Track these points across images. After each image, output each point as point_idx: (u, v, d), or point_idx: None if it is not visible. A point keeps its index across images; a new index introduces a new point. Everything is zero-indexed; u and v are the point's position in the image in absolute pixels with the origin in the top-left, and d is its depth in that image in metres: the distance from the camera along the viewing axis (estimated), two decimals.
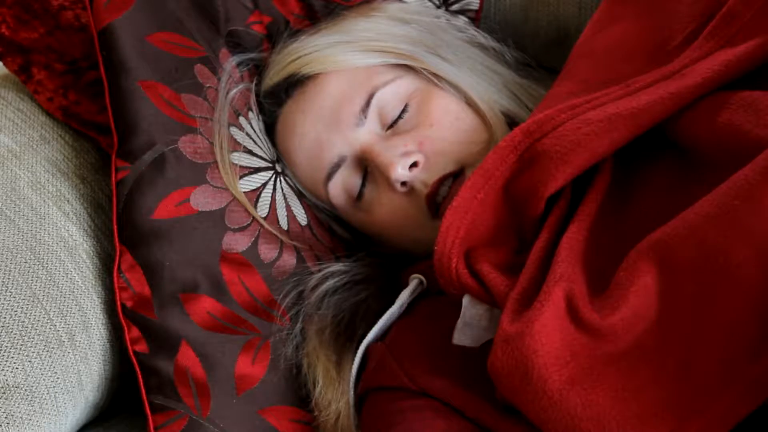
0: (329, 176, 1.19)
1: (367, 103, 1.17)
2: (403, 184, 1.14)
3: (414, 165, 1.14)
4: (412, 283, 1.13)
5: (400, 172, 1.13)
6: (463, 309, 1.03)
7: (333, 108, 1.18)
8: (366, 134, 1.17)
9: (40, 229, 1.13)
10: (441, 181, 1.14)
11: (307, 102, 1.20)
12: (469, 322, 1.03)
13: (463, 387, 1.02)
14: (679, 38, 1.06)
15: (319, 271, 1.17)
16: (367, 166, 1.17)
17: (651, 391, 0.88)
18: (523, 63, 1.30)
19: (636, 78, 1.02)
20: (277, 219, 1.18)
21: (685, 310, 0.89)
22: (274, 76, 1.23)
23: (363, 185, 1.18)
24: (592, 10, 1.20)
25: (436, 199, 1.14)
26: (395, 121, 1.17)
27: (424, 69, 1.20)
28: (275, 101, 1.23)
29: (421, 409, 1.03)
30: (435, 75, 1.20)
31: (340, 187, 1.19)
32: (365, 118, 1.17)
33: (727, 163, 0.92)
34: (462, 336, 1.03)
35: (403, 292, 1.13)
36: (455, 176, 1.14)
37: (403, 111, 1.18)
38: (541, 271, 0.97)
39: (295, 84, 1.22)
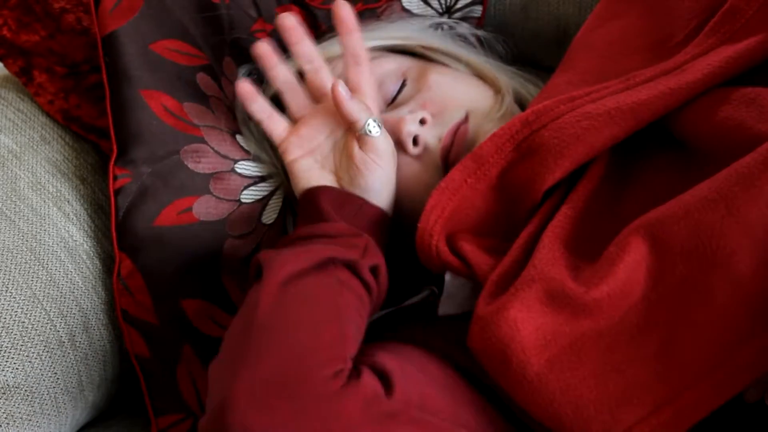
0: None
1: None
2: (415, 143, 1.11)
3: (422, 123, 1.12)
4: (424, 293, 1.11)
5: (411, 126, 1.11)
6: (445, 284, 1.03)
7: None
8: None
9: (41, 229, 1.13)
10: (454, 132, 1.12)
11: None
12: (453, 293, 1.03)
13: (455, 345, 1.01)
14: (681, 35, 1.06)
15: None
16: None
17: (631, 370, 0.88)
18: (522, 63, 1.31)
19: (636, 72, 1.02)
20: (284, 226, 1.18)
21: (673, 290, 0.88)
22: None
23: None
24: (591, 9, 1.19)
25: (450, 154, 1.12)
26: (395, 97, 1.16)
27: (421, 46, 1.21)
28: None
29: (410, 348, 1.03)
30: (431, 50, 1.21)
31: None
32: None
33: (727, 159, 0.92)
34: (446, 307, 1.04)
35: (411, 299, 1.12)
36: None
37: (402, 86, 1.17)
38: (525, 255, 0.97)
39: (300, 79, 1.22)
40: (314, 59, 1.12)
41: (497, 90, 1.18)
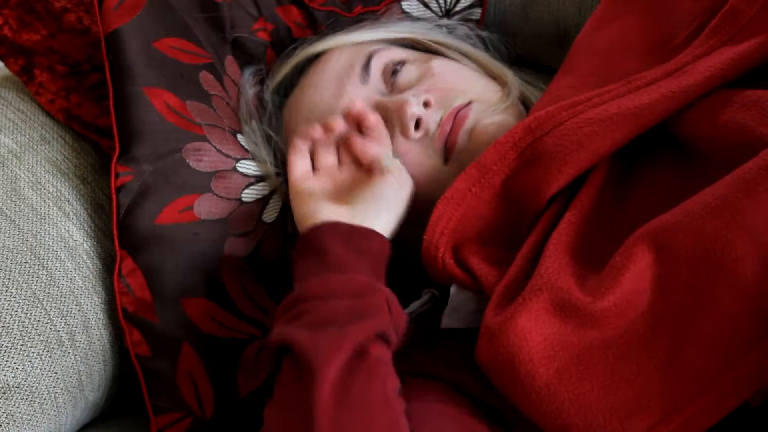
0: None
1: (367, 62, 1.17)
2: (417, 127, 1.11)
3: (426, 106, 1.12)
4: (424, 297, 1.11)
5: (415, 108, 1.10)
6: (450, 296, 1.03)
7: (338, 75, 1.18)
8: (374, 92, 1.16)
9: (41, 229, 1.13)
10: (454, 115, 1.11)
11: (313, 78, 1.20)
12: (457, 307, 1.03)
13: (458, 368, 1.01)
14: (681, 36, 1.06)
15: None
16: None
17: (639, 380, 0.88)
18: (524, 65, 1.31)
19: (637, 75, 1.02)
20: (284, 225, 1.18)
21: (679, 298, 0.88)
22: (284, 69, 1.24)
23: None
24: (591, 10, 1.20)
25: (449, 139, 1.11)
26: (397, 77, 1.16)
27: (428, 40, 1.21)
28: (285, 88, 1.24)
29: (419, 385, 1.03)
30: (438, 44, 1.21)
31: None
32: (368, 76, 1.16)
33: (730, 161, 0.92)
34: (450, 320, 1.03)
35: (413, 303, 1.12)
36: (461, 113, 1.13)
37: (403, 65, 1.17)
38: (530, 264, 0.97)
39: (301, 70, 1.23)
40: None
41: (503, 84, 1.18)
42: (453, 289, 1.03)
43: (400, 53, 1.19)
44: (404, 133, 1.11)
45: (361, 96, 1.15)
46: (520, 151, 1.01)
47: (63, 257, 1.13)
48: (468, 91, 1.14)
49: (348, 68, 1.18)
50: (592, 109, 1.00)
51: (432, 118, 1.12)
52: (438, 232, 1.01)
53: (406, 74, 1.17)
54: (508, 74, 1.20)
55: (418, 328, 1.08)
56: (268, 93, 1.24)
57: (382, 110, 1.14)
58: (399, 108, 1.11)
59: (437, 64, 1.17)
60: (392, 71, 1.17)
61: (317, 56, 1.23)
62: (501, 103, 1.14)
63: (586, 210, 0.99)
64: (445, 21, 1.32)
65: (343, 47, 1.22)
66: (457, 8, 1.34)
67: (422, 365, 1.03)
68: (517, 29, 1.36)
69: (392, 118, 1.13)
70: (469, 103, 1.12)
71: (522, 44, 1.33)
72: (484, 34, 1.29)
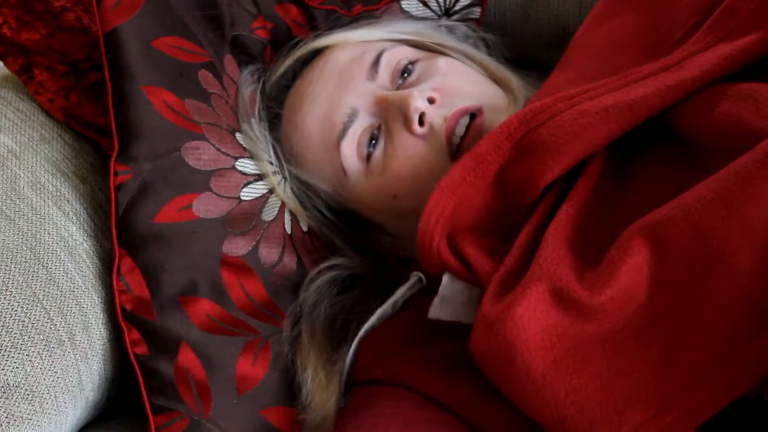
0: (342, 133, 1.16)
1: (377, 59, 1.18)
2: (421, 123, 1.11)
3: (431, 102, 1.12)
4: (411, 280, 1.11)
5: (419, 102, 1.11)
6: (442, 285, 1.03)
7: (343, 70, 1.18)
8: (379, 88, 1.17)
9: (40, 228, 1.13)
10: (460, 114, 1.12)
11: (316, 72, 1.21)
12: (448, 298, 1.03)
13: (442, 376, 1.02)
14: (679, 33, 1.07)
15: (317, 268, 1.17)
16: (380, 120, 1.16)
17: (636, 374, 0.88)
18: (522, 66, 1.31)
19: (633, 69, 1.02)
20: (283, 223, 1.18)
21: (675, 292, 0.88)
22: (286, 62, 1.25)
23: (376, 139, 1.16)
24: (591, 9, 1.20)
25: (453, 138, 1.12)
26: (406, 75, 1.17)
27: (432, 42, 1.22)
28: (284, 85, 1.24)
29: (392, 397, 1.03)
30: (444, 47, 1.22)
31: (354, 145, 1.16)
32: (376, 73, 1.17)
33: (725, 154, 0.92)
34: (438, 311, 1.03)
35: (399, 289, 1.12)
36: (473, 116, 1.13)
37: (414, 64, 1.18)
38: (527, 255, 0.97)
39: (304, 63, 1.23)
40: None
41: (506, 89, 1.18)
42: (445, 278, 1.03)
43: (409, 52, 1.20)
44: (408, 126, 1.12)
45: (365, 91, 1.16)
46: (515, 141, 1.01)
47: (63, 257, 1.13)
48: (474, 93, 1.15)
49: (353, 63, 1.18)
50: (587, 101, 1.01)
51: (436, 113, 1.12)
52: (432, 221, 1.01)
53: (413, 72, 1.18)
54: (513, 79, 1.20)
55: (403, 325, 1.08)
56: (268, 85, 1.24)
57: (385, 104, 1.14)
58: (402, 101, 1.12)
59: (444, 63, 1.18)
60: (403, 70, 1.17)
61: (320, 51, 1.23)
62: (513, 108, 1.14)
63: (583, 202, 0.99)
64: (444, 21, 1.32)
65: (348, 43, 1.22)
66: (457, 7, 1.34)
67: (404, 373, 1.04)
68: (517, 29, 1.36)
69: (395, 112, 1.13)
70: (480, 110, 1.13)
71: (522, 44, 1.33)
72: (489, 36, 1.30)
